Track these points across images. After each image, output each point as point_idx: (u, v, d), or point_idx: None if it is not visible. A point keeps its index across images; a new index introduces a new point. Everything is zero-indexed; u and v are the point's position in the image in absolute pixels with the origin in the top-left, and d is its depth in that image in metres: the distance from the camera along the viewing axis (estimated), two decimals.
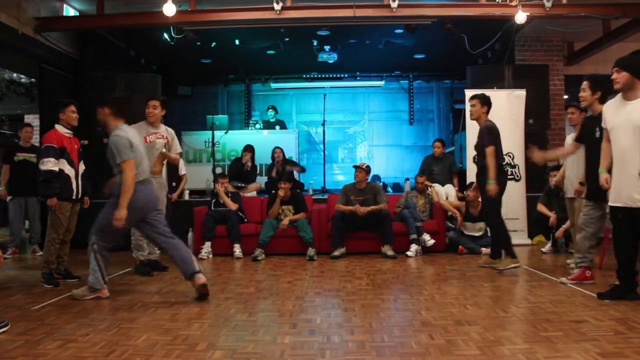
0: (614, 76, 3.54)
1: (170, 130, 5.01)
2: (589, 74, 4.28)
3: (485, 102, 4.89)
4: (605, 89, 4.08)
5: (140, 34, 7.81)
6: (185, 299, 3.85)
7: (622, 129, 3.51)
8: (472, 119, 4.98)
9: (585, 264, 4.12)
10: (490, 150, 4.72)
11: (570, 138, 4.84)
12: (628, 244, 3.60)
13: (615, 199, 3.59)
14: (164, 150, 4.83)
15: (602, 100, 4.04)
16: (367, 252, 5.91)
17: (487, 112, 4.91)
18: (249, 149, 7.59)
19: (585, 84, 4.13)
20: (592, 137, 4.05)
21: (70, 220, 4.58)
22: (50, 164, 4.31)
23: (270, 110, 9.45)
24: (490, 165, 4.70)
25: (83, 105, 6.81)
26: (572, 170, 4.82)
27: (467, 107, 5.19)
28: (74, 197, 4.53)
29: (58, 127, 4.49)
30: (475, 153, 6.55)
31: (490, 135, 4.78)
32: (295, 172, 7.80)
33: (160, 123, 4.91)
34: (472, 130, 6.66)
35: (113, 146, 3.75)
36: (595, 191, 3.98)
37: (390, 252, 5.70)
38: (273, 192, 6.36)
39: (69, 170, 4.46)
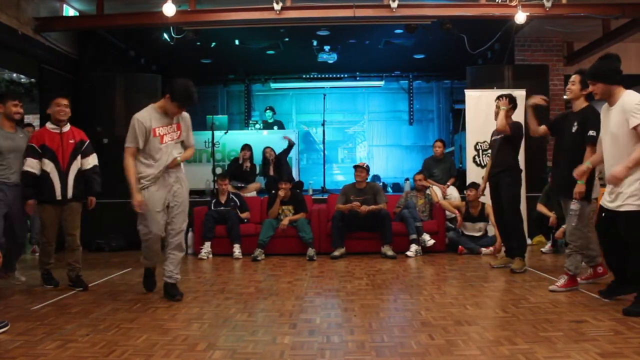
0: (591, 89, 3.55)
1: (185, 116, 3.91)
2: (581, 69, 4.14)
3: (511, 102, 4.90)
4: None
5: (140, 34, 7.81)
6: (185, 299, 3.84)
7: (605, 135, 3.55)
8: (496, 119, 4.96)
9: (593, 263, 4.12)
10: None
11: None
12: (610, 242, 3.56)
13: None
14: (174, 153, 3.82)
15: (588, 98, 3.95)
16: (367, 252, 5.91)
17: (512, 112, 4.93)
18: (248, 147, 7.60)
19: (575, 77, 4.01)
20: (568, 131, 3.98)
21: (67, 222, 4.25)
22: (27, 166, 4.08)
23: (268, 111, 9.45)
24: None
25: (83, 106, 6.93)
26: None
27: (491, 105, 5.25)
28: (58, 198, 4.16)
29: (48, 124, 4.29)
30: (475, 153, 6.64)
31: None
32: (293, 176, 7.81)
33: None
34: (472, 130, 6.70)
35: None
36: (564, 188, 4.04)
37: (390, 252, 5.70)
38: (273, 192, 6.36)
39: (51, 170, 4.14)
